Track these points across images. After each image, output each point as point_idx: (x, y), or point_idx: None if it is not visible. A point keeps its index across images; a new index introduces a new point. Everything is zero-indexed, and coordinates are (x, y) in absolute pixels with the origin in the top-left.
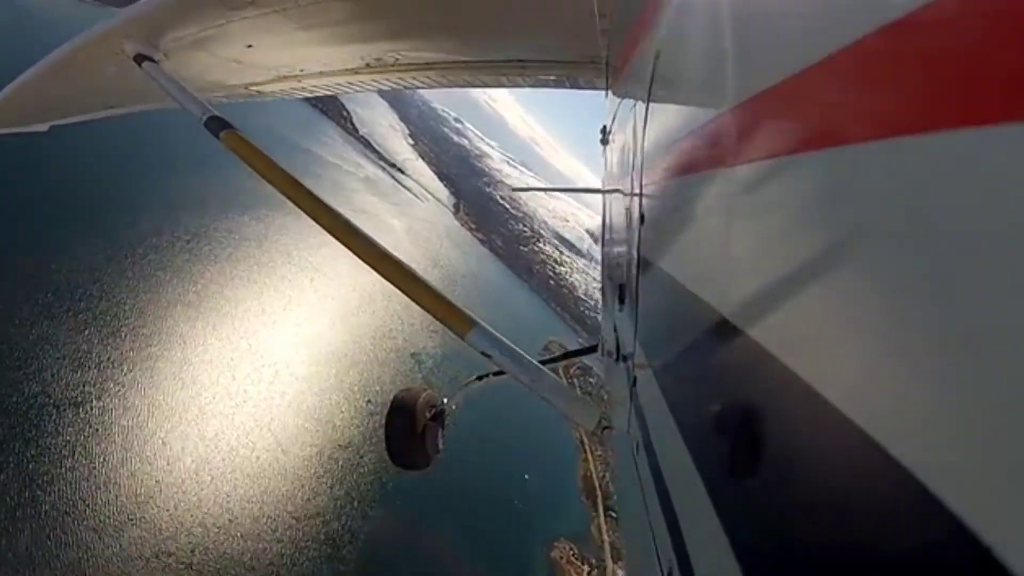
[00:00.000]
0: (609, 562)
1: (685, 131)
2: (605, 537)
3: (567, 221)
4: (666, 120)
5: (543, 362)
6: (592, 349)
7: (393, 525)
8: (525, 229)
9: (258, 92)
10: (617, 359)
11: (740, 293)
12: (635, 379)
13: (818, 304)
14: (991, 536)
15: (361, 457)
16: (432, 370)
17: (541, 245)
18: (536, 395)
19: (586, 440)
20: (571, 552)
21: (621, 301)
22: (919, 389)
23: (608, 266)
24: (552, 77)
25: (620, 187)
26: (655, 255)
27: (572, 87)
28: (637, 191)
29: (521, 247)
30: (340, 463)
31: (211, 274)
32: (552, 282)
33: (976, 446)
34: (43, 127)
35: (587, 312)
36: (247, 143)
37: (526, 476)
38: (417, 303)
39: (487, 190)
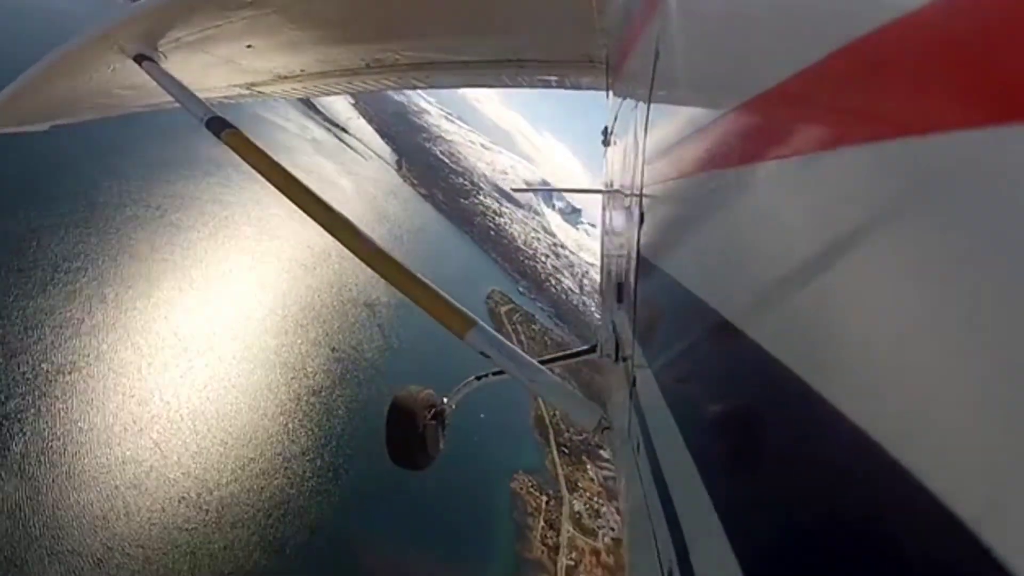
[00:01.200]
0: (565, 493)
1: (686, 131)
2: (559, 471)
3: (506, 174)
4: (667, 120)
5: (542, 361)
6: (591, 350)
7: (367, 464)
8: (465, 183)
9: (259, 92)
10: (616, 359)
11: (740, 294)
12: (635, 379)
13: (817, 304)
14: (991, 536)
15: (334, 401)
16: (386, 318)
17: (481, 198)
18: (536, 394)
19: None
20: (529, 484)
21: (620, 301)
22: (918, 389)
23: (607, 266)
24: (552, 77)
25: (620, 187)
26: (655, 255)
27: (572, 87)
28: (637, 191)
29: (462, 200)
30: (316, 407)
31: (183, 238)
32: (493, 233)
33: (977, 447)
34: (43, 127)
35: (527, 262)
36: (249, 143)
37: (482, 415)
38: (416, 303)
39: (427, 146)
